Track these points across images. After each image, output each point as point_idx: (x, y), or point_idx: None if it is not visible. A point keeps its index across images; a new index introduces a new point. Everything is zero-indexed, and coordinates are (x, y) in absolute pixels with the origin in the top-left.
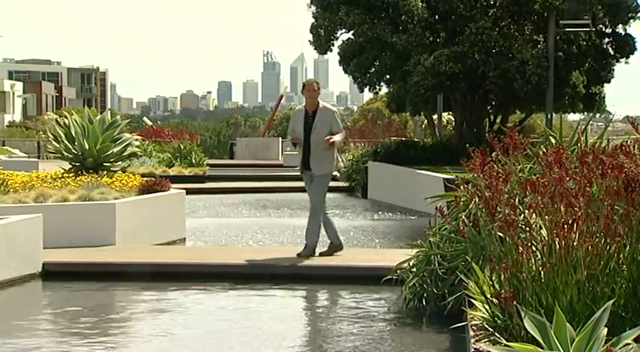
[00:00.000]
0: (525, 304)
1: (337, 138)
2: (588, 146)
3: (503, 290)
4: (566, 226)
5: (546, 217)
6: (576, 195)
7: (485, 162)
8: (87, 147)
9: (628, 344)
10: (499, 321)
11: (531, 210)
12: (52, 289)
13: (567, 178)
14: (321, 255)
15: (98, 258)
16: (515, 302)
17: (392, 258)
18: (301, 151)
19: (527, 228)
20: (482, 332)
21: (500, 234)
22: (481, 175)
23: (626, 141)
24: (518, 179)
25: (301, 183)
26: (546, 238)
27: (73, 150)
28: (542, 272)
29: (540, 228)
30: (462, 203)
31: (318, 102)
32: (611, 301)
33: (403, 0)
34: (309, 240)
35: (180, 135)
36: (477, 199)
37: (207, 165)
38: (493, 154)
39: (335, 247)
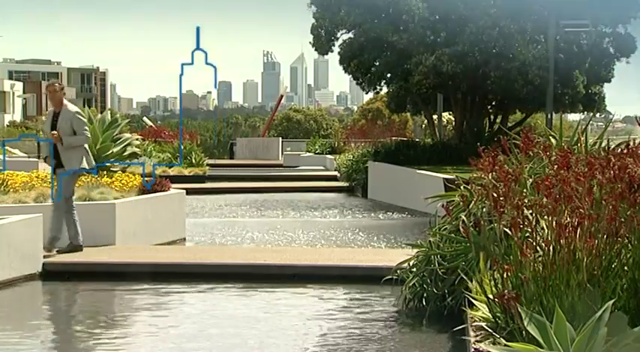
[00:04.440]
0: (527, 304)
1: (71, 139)
2: (589, 146)
3: (506, 291)
4: (569, 227)
5: (547, 217)
6: (581, 196)
7: (495, 162)
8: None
9: (628, 344)
10: (500, 321)
11: (534, 210)
12: (52, 289)
13: (572, 179)
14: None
15: (98, 257)
16: (517, 303)
17: (392, 258)
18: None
19: (531, 229)
20: (482, 332)
21: (503, 234)
22: (489, 175)
23: (628, 142)
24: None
25: (301, 184)
26: (549, 239)
27: None
28: (544, 273)
29: (542, 228)
30: (463, 202)
31: (63, 103)
32: (612, 301)
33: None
34: (50, 233)
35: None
36: (476, 198)
37: (207, 165)
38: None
39: (74, 247)
